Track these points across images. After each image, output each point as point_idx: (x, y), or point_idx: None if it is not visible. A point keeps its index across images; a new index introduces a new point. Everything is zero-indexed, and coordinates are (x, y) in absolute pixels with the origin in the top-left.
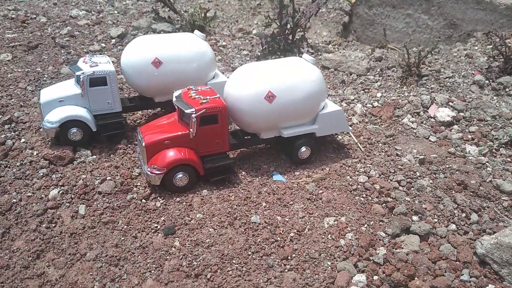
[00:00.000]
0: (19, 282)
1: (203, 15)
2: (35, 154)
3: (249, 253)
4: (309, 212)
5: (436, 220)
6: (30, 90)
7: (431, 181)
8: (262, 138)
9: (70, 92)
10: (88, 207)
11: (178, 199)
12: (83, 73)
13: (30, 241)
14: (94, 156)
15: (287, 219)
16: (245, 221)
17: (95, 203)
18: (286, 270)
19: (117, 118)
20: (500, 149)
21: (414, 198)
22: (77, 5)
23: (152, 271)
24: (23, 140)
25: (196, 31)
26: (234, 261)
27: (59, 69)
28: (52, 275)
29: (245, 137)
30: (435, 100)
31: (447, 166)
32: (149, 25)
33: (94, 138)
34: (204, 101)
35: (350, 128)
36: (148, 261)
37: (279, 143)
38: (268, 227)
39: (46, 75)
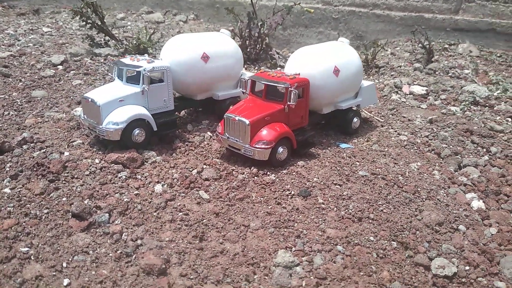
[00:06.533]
0: (208, 261)
1: (148, 37)
2: (96, 161)
3: (385, 195)
4: (395, 163)
5: (472, 155)
6: (13, 114)
7: (446, 133)
8: (322, 114)
9: (130, 91)
10: (206, 192)
11: (285, 171)
12: (144, 69)
13: (178, 229)
14: (160, 156)
15: (385, 169)
16: (356, 176)
17: (210, 188)
18: (424, 200)
19: (173, 116)
20: (471, 107)
21: (447, 144)
22: None
23: (323, 224)
24: (66, 153)
25: (223, 30)
26: (379, 203)
27: (27, 94)
28: (234, 249)
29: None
30: (401, 82)
31: (448, 122)
32: (88, 50)
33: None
34: (291, 77)
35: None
36: (312, 217)
37: (331, 118)
38: (378, 176)
39: (18, 100)
